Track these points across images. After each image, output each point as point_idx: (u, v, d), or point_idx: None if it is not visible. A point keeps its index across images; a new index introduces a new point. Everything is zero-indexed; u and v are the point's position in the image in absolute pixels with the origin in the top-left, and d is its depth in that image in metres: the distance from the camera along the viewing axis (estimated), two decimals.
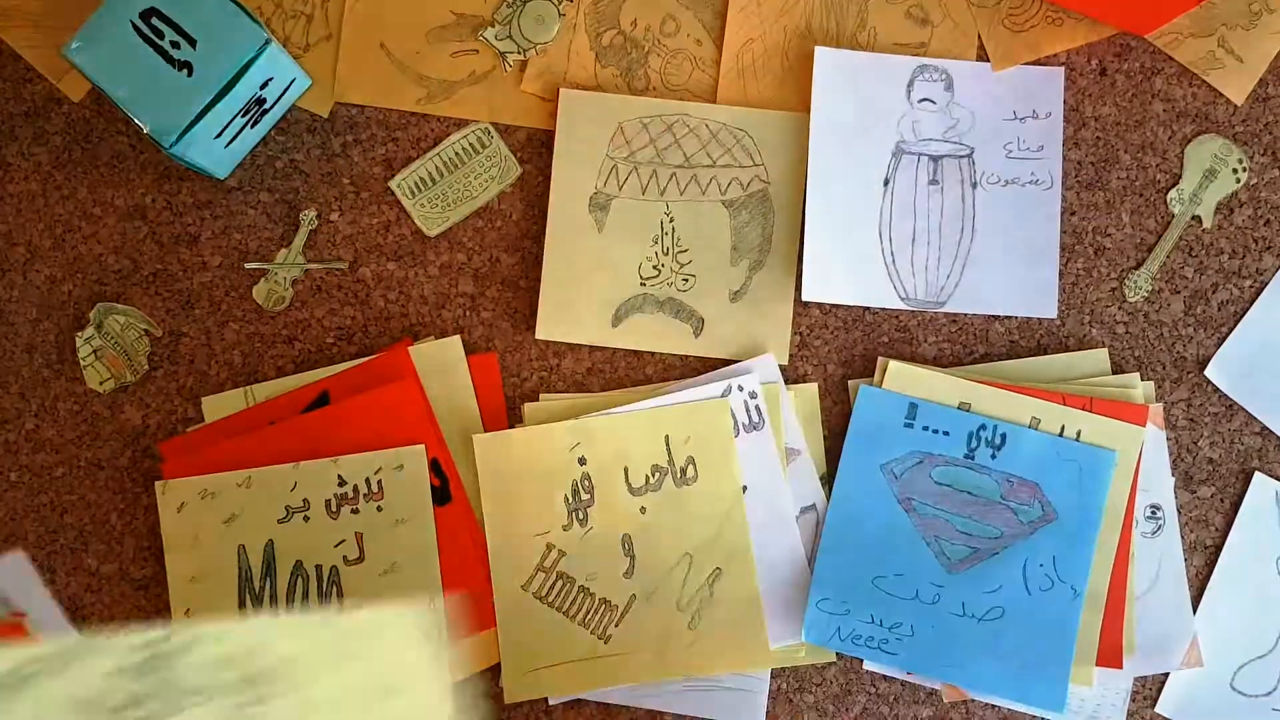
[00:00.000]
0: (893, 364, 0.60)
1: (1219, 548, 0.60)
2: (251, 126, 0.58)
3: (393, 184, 0.61)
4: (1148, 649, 0.59)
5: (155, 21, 0.53)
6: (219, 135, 0.56)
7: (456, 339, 0.60)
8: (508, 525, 0.58)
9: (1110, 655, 0.58)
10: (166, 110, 0.53)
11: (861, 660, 0.59)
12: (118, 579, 0.59)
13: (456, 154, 0.61)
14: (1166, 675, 0.60)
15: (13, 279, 0.61)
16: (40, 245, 0.61)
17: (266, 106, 0.58)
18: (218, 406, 0.60)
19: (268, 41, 0.54)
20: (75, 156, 0.61)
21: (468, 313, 0.61)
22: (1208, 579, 0.60)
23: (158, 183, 0.61)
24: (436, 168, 0.61)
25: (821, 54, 0.61)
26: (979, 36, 0.62)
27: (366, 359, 0.60)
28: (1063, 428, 0.58)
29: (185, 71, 0.53)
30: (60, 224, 0.61)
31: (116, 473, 0.60)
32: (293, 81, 0.58)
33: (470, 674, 0.58)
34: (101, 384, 0.60)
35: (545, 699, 0.58)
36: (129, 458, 0.60)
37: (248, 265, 0.60)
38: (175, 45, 0.53)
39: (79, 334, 0.60)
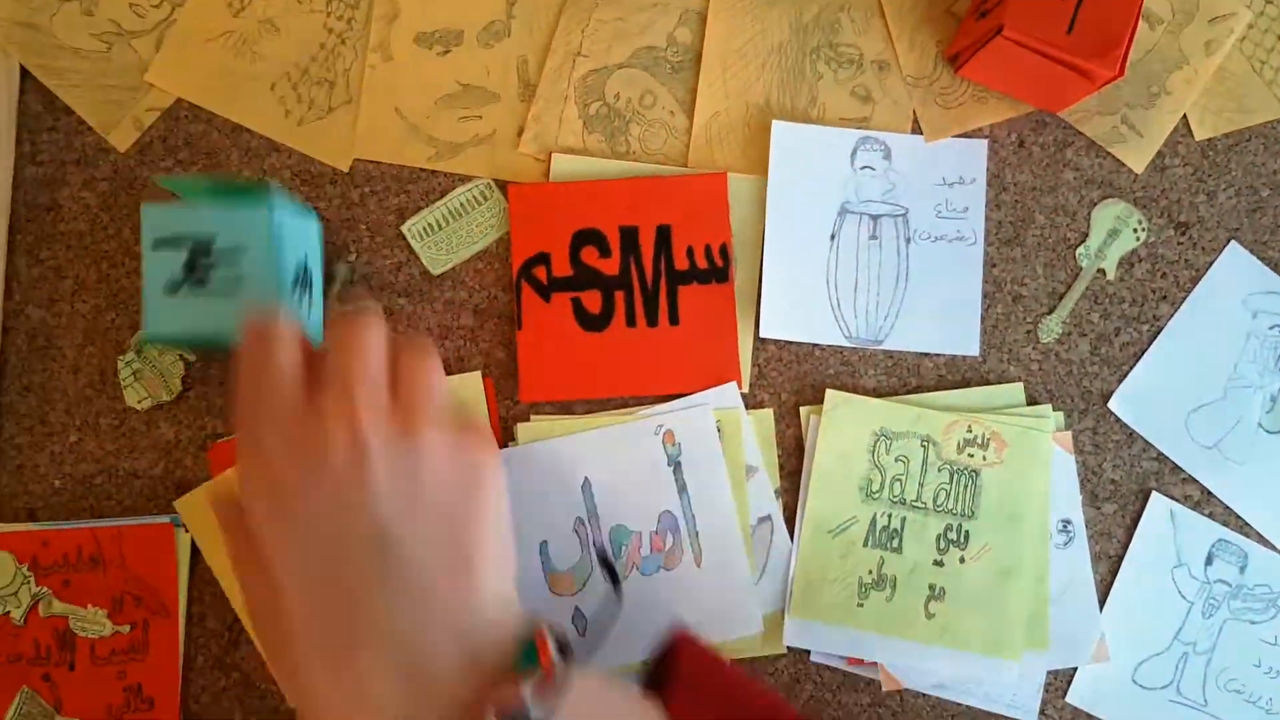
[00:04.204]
0: (834, 393, 0.66)
1: (1121, 558, 0.66)
2: (306, 291, 0.60)
3: (404, 228, 0.68)
4: (1060, 645, 0.65)
5: (199, 265, 0.55)
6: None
7: (477, 374, 0.65)
8: None
9: None
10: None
11: (809, 652, 0.66)
12: None
13: (461, 205, 0.68)
14: (1075, 669, 0.65)
15: (61, 308, 0.66)
16: (87, 278, 0.67)
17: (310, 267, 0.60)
18: None
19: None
20: (120, 200, 0.67)
21: (468, 343, 0.67)
22: (1111, 585, 0.66)
23: None
24: (443, 216, 0.68)
25: (778, 126, 0.67)
26: (914, 112, 0.68)
27: None
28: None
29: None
30: (105, 260, 0.67)
31: (151, 481, 0.66)
32: (314, 229, 0.62)
33: None
34: (140, 402, 0.66)
35: None
36: (163, 468, 0.66)
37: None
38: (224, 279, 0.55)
39: (120, 357, 0.66)
